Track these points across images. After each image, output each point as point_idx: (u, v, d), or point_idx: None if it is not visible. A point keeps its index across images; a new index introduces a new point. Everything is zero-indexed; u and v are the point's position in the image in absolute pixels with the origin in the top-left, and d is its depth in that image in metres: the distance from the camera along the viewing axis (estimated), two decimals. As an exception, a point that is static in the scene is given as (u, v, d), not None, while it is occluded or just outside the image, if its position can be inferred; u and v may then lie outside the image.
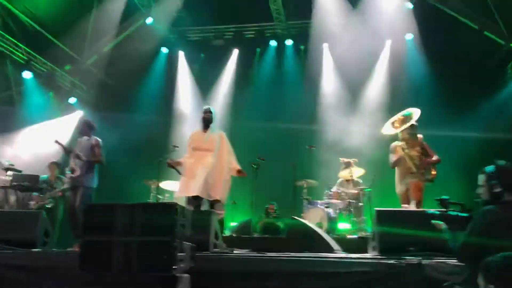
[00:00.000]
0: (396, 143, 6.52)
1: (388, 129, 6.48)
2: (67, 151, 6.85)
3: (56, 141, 6.93)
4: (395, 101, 10.38)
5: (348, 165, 8.32)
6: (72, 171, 6.66)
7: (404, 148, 6.35)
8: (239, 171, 5.96)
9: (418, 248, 3.96)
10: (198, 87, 12.26)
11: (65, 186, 7.63)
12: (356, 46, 10.76)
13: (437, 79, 10.19)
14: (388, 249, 4.02)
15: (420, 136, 6.49)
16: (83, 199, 6.48)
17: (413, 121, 6.34)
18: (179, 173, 6.05)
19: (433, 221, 3.32)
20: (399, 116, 6.48)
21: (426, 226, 3.42)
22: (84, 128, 6.95)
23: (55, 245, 6.12)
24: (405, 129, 6.31)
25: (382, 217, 4.25)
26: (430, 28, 10.42)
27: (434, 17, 10.52)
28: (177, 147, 7.57)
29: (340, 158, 8.45)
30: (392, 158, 6.50)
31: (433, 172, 6.34)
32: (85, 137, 6.87)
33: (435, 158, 6.42)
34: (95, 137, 6.93)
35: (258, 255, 4.26)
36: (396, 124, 6.43)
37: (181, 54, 12.47)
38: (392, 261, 3.65)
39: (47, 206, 7.68)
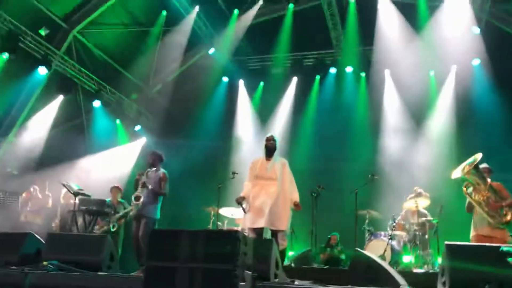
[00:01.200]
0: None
1: (456, 174, 6.27)
2: (141, 183, 7.07)
3: (139, 174, 7.18)
4: (462, 129, 9.98)
5: (419, 195, 7.99)
6: (137, 198, 6.87)
7: (470, 193, 6.15)
8: (296, 204, 5.89)
9: (492, 286, 3.69)
10: (257, 114, 12.39)
11: (129, 210, 7.90)
12: (420, 73, 10.50)
13: (506, 105, 9.70)
14: (459, 286, 3.77)
15: (488, 180, 6.18)
16: (147, 229, 6.68)
17: (474, 164, 6.08)
18: (244, 211, 6.03)
19: (510, 259, 3.10)
20: (466, 163, 6.26)
21: (501, 263, 3.19)
22: (154, 160, 7.20)
23: (119, 269, 6.28)
24: (472, 174, 6.07)
25: (453, 252, 4.00)
26: (498, 52, 9.99)
27: (502, 40, 10.09)
28: (237, 173, 7.62)
29: (415, 187, 8.15)
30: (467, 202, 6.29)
31: (508, 217, 5.98)
32: (154, 168, 7.10)
33: (508, 201, 6.07)
34: (163, 170, 7.18)
35: (320, 287, 4.13)
36: (466, 170, 6.21)
37: (241, 83, 12.70)
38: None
39: (111, 229, 7.94)
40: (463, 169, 6.10)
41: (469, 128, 9.71)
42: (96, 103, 11.14)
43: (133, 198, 6.99)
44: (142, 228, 6.78)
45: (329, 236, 9.19)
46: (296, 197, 5.95)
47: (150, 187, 6.91)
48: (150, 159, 7.28)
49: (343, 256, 8.50)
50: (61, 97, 10.40)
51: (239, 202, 6.00)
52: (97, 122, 11.47)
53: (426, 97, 10.86)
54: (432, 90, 11.02)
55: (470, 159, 6.14)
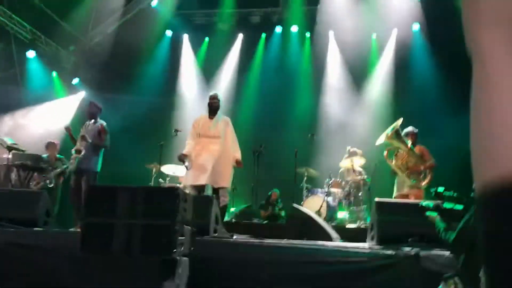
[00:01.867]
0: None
1: (380, 140, 6.67)
2: (73, 139, 6.93)
3: (66, 128, 7.03)
4: (399, 91, 10.38)
5: (353, 154, 8.33)
6: (78, 152, 6.73)
7: (391, 158, 6.64)
8: (237, 162, 6.01)
9: (417, 239, 4.00)
10: (201, 71, 12.23)
11: (68, 165, 7.73)
12: (363, 34, 10.70)
13: (442, 72, 10.15)
14: (386, 240, 4.05)
15: (409, 143, 6.63)
16: (89, 182, 6.58)
17: (394, 130, 6.49)
18: (187, 168, 6.07)
19: (427, 213, 3.36)
20: (388, 129, 6.62)
21: (422, 218, 3.45)
22: (94, 112, 7.03)
23: (56, 225, 6.19)
24: (393, 139, 6.49)
25: (382, 208, 4.28)
26: (437, 18, 10.32)
27: (441, 6, 10.42)
28: (180, 131, 7.58)
29: (348, 146, 8.46)
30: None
31: (426, 180, 6.53)
32: (92, 121, 6.94)
33: (427, 164, 6.60)
34: (102, 121, 7.01)
35: (257, 241, 4.30)
36: (389, 136, 6.61)
37: (185, 37, 12.41)
38: (389, 252, 3.69)
39: (48, 185, 7.74)
40: (386, 135, 6.50)
41: (406, 93, 10.11)
42: (31, 54, 10.55)
43: (73, 151, 6.85)
44: (85, 182, 6.68)
45: (269, 193, 9.45)
46: (238, 155, 6.07)
47: (89, 140, 6.78)
48: (90, 111, 7.11)
49: (283, 213, 8.81)
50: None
51: (181, 159, 6.05)
52: (32, 74, 10.90)
53: (367, 60, 11.15)
54: (373, 53, 11.30)
55: (392, 125, 6.56)
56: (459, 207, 3.17)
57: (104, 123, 7.01)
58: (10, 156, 7.40)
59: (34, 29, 10.47)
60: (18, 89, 10.65)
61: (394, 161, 6.63)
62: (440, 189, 3.36)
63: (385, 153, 6.67)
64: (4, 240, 4.05)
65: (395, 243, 3.90)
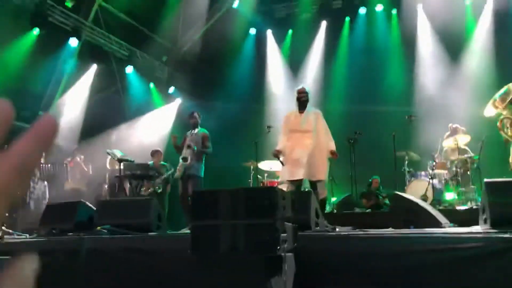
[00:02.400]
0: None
1: (489, 111, 6.01)
2: (176, 146, 7.42)
3: (173, 136, 7.59)
4: (500, 59, 9.55)
5: (455, 131, 7.84)
6: (185, 160, 7.22)
7: (506, 129, 5.87)
8: (332, 153, 5.91)
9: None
10: (288, 64, 12.24)
11: (173, 171, 8.26)
12: (455, 3, 10.00)
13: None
14: (501, 222, 3.77)
15: None
16: (195, 187, 7.02)
17: (508, 97, 5.78)
18: (282, 164, 6.16)
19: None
20: (497, 95, 5.95)
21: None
22: (195, 121, 7.50)
23: (167, 229, 6.61)
24: (508, 108, 5.80)
25: (493, 188, 3.98)
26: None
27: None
28: (272, 127, 7.68)
29: (449, 124, 7.98)
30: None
31: None
32: (196, 130, 7.41)
33: None
34: (204, 130, 7.49)
35: (361, 232, 4.23)
36: (497, 104, 5.93)
37: (269, 33, 12.50)
38: (506, 235, 3.43)
39: (157, 191, 8.29)
40: (494, 103, 5.84)
41: (509, 61, 9.27)
42: (129, 69, 11.31)
43: (180, 159, 7.33)
44: (191, 187, 7.14)
45: (370, 180, 9.22)
46: (332, 146, 5.99)
47: (195, 148, 7.25)
48: (193, 120, 7.56)
49: (386, 201, 8.55)
50: (94, 67, 10.60)
51: (276, 155, 6.12)
52: (132, 88, 11.69)
53: (462, 30, 10.39)
54: (468, 21, 10.51)
55: (501, 91, 5.84)
56: None
57: (206, 131, 7.45)
58: (121, 167, 7.99)
59: (129, 45, 11.19)
60: (121, 103, 11.49)
61: (510, 132, 5.89)
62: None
63: (498, 123, 5.96)
64: (124, 246, 4.41)
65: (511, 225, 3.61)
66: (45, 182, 8.58)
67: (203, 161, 7.53)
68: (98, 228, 4.92)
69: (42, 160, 8.54)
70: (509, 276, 3.30)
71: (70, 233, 4.95)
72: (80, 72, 10.49)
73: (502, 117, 5.91)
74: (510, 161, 6.17)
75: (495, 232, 3.58)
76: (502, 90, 5.86)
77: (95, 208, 5.34)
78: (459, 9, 10.30)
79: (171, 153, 9.17)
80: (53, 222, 5.25)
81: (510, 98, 5.77)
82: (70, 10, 9.84)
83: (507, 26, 9.87)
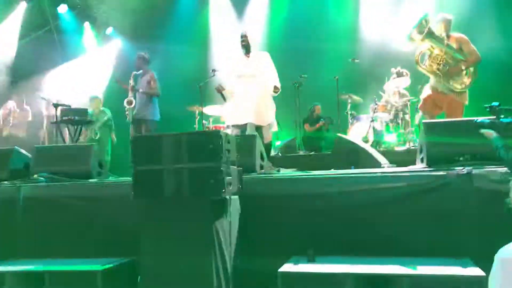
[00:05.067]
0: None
1: (407, 44, 5.63)
2: (127, 87, 7.13)
3: (117, 81, 7.27)
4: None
5: (400, 74, 8.00)
6: (129, 103, 6.99)
7: (427, 61, 5.47)
8: (275, 87, 5.80)
9: (468, 158, 3.86)
10: (232, 4, 11.85)
11: (110, 117, 8.07)
12: None
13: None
14: (436, 160, 3.94)
15: (443, 35, 5.42)
16: (147, 131, 6.86)
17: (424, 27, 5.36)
18: (224, 100, 6.07)
19: (482, 130, 3.20)
20: (412, 27, 5.47)
21: (476, 135, 3.31)
22: (138, 63, 7.21)
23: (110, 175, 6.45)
24: (426, 38, 5.36)
25: (430, 128, 4.13)
26: None
27: None
28: (217, 70, 7.52)
29: (392, 68, 8.10)
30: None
31: (469, 78, 5.35)
32: (141, 71, 7.14)
33: (470, 58, 5.31)
34: (151, 71, 7.20)
35: (304, 174, 4.31)
36: (413, 37, 5.45)
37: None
38: (441, 172, 3.60)
39: (94, 138, 8.06)
40: (410, 36, 5.38)
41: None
42: (62, 8, 10.55)
43: (125, 103, 7.10)
44: (144, 131, 6.99)
45: (311, 107, 9.30)
46: (277, 82, 5.88)
47: (140, 90, 7.02)
48: (137, 62, 7.29)
49: (329, 131, 8.75)
50: (23, 4, 9.81)
51: (219, 89, 5.99)
52: (66, 28, 10.97)
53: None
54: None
55: (416, 22, 5.39)
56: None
57: (154, 72, 7.20)
58: (58, 112, 7.63)
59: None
60: (54, 44, 10.78)
61: (427, 66, 5.51)
62: (495, 103, 3.18)
63: (416, 57, 5.53)
64: (62, 194, 4.27)
65: (446, 163, 3.79)
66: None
67: (155, 104, 7.33)
68: (35, 176, 4.71)
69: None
70: (443, 210, 3.50)
71: (5, 182, 4.72)
72: (7, 9, 9.66)
73: (419, 50, 5.55)
74: (420, 98, 5.93)
75: (431, 170, 3.75)
76: (416, 21, 5.41)
77: (30, 156, 5.09)
78: None
79: (111, 99, 8.85)
80: (-16, 171, 4.96)
81: (426, 29, 5.34)
82: None
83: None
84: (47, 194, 4.37)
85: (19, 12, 9.82)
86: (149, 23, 11.36)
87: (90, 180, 4.71)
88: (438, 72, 5.47)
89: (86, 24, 11.22)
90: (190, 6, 11.65)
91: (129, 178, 3.64)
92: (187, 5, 11.63)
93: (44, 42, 10.55)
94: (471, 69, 5.45)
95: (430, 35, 5.39)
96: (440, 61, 5.46)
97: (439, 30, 5.50)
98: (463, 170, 3.54)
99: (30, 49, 10.06)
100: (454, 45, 5.47)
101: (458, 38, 5.49)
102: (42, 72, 10.17)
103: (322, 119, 9.08)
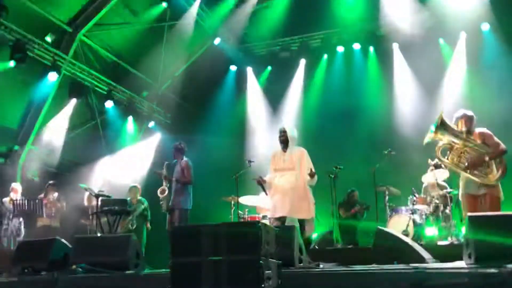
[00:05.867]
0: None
1: (427, 138, 5.57)
2: (163, 177, 7.34)
3: (155, 172, 7.49)
4: (475, 95, 9.77)
5: (438, 166, 7.91)
6: (162, 192, 7.12)
7: (446, 156, 5.48)
8: (311, 171, 5.78)
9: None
10: (268, 99, 12.35)
11: (145, 207, 8.21)
12: (428, 43, 10.33)
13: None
14: (485, 257, 3.76)
15: (463, 129, 5.42)
16: (180, 220, 6.89)
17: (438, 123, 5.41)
18: (265, 192, 6.11)
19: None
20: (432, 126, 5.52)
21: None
22: (175, 153, 7.45)
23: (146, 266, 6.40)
24: (441, 134, 5.42)
25: (476, 223, 3.99)
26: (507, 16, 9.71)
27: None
28: (252, 161, 7.63)
29: (429, 160, 8.03)
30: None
31: (495, 175, 5.21)
32: (174, 161, 7.37)
33: (494, 150, 5.23)
34: (186, 159, 7.39)
35: (345, 269, 4.16)
36: (432, 134, 5.51)
37: (249, 70, 12.65)
38: (491, 270, 3.40)
39: (130, 228, 8.13)
40: (429, 132, 5.43)
41: (483, 96, 9.50)
42: (109, 104, 11.22)
43: (158, 192, 7.25)
44: (177, 220, 7.03)
45: (349, 190, 9.29)
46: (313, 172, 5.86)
47: (173, 178, 7.16)
48: (173, 153, 7.60)
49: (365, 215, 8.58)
50: (73, 101, 10.49)
51: (259, 181, 6.02)
52: (111, 123, 11.57)
53: (438, 67, 10.66)
54: (444, 58, 10.83)
55: (436, 119, 5.46)
56: None
57: (188, 160, 7.39)
58: (99, 203, 7.79)
59: (109, 81, 11.14)
60: (99, 138, 11.33)
61: (449, 159, 5.44)
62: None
63: (437, 152, 5.51)
64: (99, 285, 4.23)
65: (496, 260, 3.59)
66: (20, 219, 8.29)
67: (188, 193, 7.41)
68: (73, 266, 4.73)
69: (18, 196, 8.29)
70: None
71: (44, 272, 4.75)
72: (59, 107, 10.34)
73: (439, 145, 5.55)
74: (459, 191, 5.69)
75: (480, 267, 3.56)
76: (436, 119, 5.49)
77: (70, 246, 5.15)
78: (434, 48, 10.62)
79: (150, 189, 9.04)
80: (25, 261, 5.03)
81: (439, 122, 5.37)
82: (50, 44, 9.79)
83: (480, 62, 10.19)
84: (84, 285, 4.35)
85: (69, 108, 10.48)
86: (188, 117, 11.90)
87: (127, 272, 4.68)
88: (460, 164, 5.40)
89: (130, 118, 11.79)
90: (228, 100, 12.21)
91: (167, 270, 3.60)
92: (225, 99, 12.20)
93: (91, 136, 11.11)
94: (498, 160, 5.32)
95: (443, 128, 5.41)
96: (461, 153, 5.42)
97: (459, 125, 5.52)
98: (515, 267, 3.34)
99: (77, 142, 10.57)
100: (478, 141, 5.44)
101: (481, 133, 5.47)
102: (85, 165, 10.57)
103: (358, 204, 8.99)
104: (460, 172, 5.46)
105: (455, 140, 5.43)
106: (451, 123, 5.53)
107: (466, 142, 5.39)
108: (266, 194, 6.09)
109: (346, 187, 8.99)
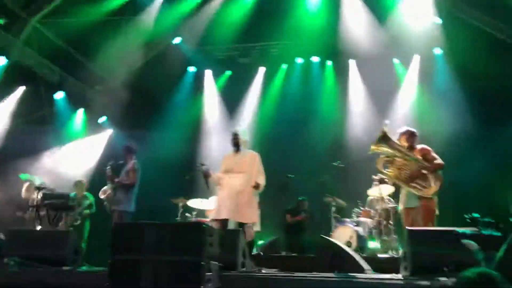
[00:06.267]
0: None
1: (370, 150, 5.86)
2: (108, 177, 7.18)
3: (108, 170, 7.30)
4: (423, 117, 10.18)
5: (381, 182, 8.14)
6: (103, 192, 6.97)
7: (386, 168, 5.77)
8: (255, 184, 5.82)
9: (453, 268, 3.82)
10: (224, 103, 12.34)
11: (88, 203, 7.98)
12: (384, 62, 10.67)
13: (466, 95, 9.97)
14: (420, 270, 3.89)
15: (417, 147, 5.79)
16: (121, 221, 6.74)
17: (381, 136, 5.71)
18: (207, 186, 6.08)
19: (464, 241, 3.22)
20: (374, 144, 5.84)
21: (457, 245, 3.32)
22: (124, 153, 7.31)
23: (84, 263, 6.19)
24: (382, 146, 5.70)
25: (414, 237, 4.13)
26: (459, 42, 10.19)
27: (464, 31, 10.30)
28: (204, 164, 7.57)
29: (373, 176, 8.26)
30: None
31: (432, 189, 5.51)
32: (121, 161, 7.23)
33: (432, 164, 5.58)
34: (134, 161, 7.24)
35: (286, 275, 4.18)
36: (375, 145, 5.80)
37: (208, 72, 12.59)
38: (424, 282, 3.53)
39: (74, 223, 7.86)
40: (373, 144, 5.70)
41: (431, 119, 9.92)
42: (59, 95, 10.83)
43: (100, 194, 7.10)
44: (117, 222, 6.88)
45: (299, 199, 9.30)
46: (260, 180, 5.90)
47: (116, 180, 7.01)
48: (123, 154, 7.45)
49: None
50: (22, 89, 10.05)
51: (206, 174, 5.98)
52: (60, 114, 11.18)
53: (391, 86, 11.04)
54: (397, 79, 11.23)
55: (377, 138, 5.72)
56: (497, 233, 3.03)
57: (135, 162, 7.23)
58: (39, 196, 7.49)
59: (62, 71, 10.77)
60: (46, 129, 10.90)
61: (391, 172, 5.74)
62: (476, 214, 3.22)
63: (378, 164, 5.80)
64: (32, 280, 4.06)
65: (430, 273, 3.73)
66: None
67: (131, 195, 7.24)
68: (5, 259, 4.51)
69: None
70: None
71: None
72: (5, 93, 9.88)
73: (381, 157, 5.79)
74: (400, 204, 5.97)
75: (415, 279, 3.68)
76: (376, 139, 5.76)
77: (3, 238, 4.92)
78: (389, 67, 10.99)
79: (97, 185, 8.78)
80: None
81: (381, 134, 5.64)
82: (0, 27, 9.35)
83: (431, 85, 10.65)
84: (16, 279, 4.15)
85: (16, 96, 10.03)
86: (142, 114, 11.67)
87: (64, 268, 4.52)
88: (401, 177, 5.70)
89: (80, 111, 11.43)
90: (183, 100, 12.09)
91: (105, 268, 3.50)
92: (181, 99, 12.07)
93: (37, 126, 10.68)
94: (435, 174, 5.62)
95: (384, 141, 5.69)
96: (401, 166, 5.72)
97: (402, 140, 5.88)
98: (447, 281, 3.48)
99: (21, 132, 10.13)
100: (419, 156, 5.76)
101: (422, 148, 5.86)
102: (31, 155, 10.15)
103: (304, 212, 9.08)
104: (401, 186, 5.78)
105: (396, 153, 5.70)
106: (394, 137, 5.83)
107: (406, 155, 5.69)
108: (208, 187, 6.07)
109: (295, 196, 9.08)
